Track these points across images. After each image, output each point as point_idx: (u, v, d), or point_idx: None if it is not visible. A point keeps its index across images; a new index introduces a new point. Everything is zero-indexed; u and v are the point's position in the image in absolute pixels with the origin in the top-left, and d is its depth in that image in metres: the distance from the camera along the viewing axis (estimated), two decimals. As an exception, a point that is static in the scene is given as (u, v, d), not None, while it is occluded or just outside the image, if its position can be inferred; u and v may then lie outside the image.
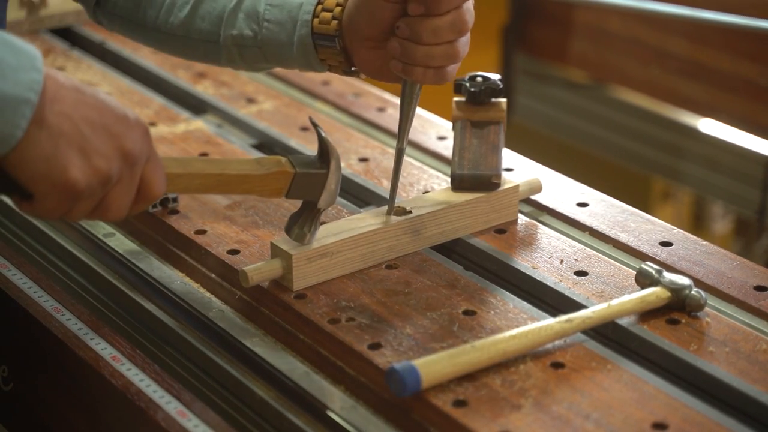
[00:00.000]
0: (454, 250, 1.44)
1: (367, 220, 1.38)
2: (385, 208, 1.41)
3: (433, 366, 1.16)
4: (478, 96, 1.45)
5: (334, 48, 1.38)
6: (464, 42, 1.34)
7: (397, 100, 1.84)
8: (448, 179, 1.46)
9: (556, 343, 1.24)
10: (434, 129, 1.74)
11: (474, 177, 1.44)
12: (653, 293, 1.29)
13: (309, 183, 1.31)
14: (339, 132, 1.73)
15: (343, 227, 1.37)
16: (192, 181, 1.27)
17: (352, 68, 1.41)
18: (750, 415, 1.17)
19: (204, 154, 1.65)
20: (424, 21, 1.31)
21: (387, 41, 1.35)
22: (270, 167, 1.30)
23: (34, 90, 1.09)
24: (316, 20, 1.38)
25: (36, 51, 1.11)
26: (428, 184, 1.56)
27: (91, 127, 1.13)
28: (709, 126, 2.98)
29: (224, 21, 1.44)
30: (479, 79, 1.46)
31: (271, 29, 1.41)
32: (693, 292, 1.28)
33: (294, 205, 1.49)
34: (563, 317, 1.24)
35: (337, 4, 1.38)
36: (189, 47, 1.49)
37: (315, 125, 1.32)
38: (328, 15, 1.38)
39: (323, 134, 1.31)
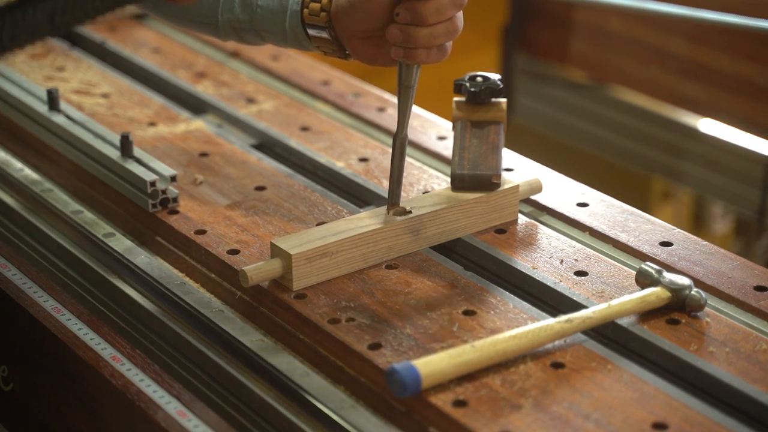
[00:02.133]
0: (454, 250, 1.44)
1: (367, 220, 1.38)
2: (385, 207, 1.41)
3: (433, 366, 1.16)
4: (478, 96, 1.45)
5: (325, 37, 1.40)
6: (461, 15, 1.36)
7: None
8: (448, 179, 1.46)
9: (556, 343, 1.24)
10: (434, 129, 1.74)
11: (474, 177, 1.44)
12: (653, 293, 1.29)
13: None
14: (339, 132, 1.73)
15: (343, 227, 1.37)
16: None
17: (345, 52, 1.42)
18: (750, 415, 1.17)
19: (204, 155, 1.65)
20: (426, 2, 1.32)
21: (380, 31, 1.36)
22: None
23: None
24: (305, 11, 1.40)
25: None
26: (428, 184, 1.56)
27: None
28: (709, 126, 2.98)
29: (221, 6, 1.47)
30: (479, 79, 1.46)
31: (265, 16, 1.44)
32: (693, 292, 1.28)
33: (293, 205, 1.49)
34: (563, 317, 1.24)
35: None
36: (188, 24, 1.53)
37: None
38: (316, 6, 1.39)
39: None
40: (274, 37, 1.46)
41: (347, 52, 1.42)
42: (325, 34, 1.40)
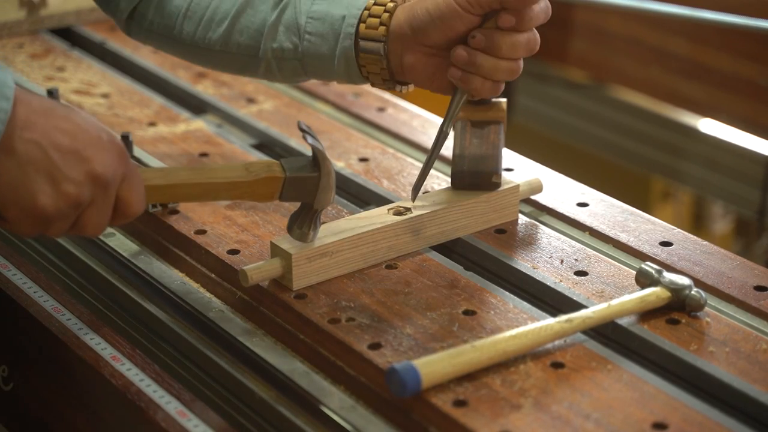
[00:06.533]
0: (454, 250, 1.44)
1: (367, 220, 1.38)
2: (385, 207, 1.41)
3: (433, 366, 1.16)
4: (479, 96, 1.45)
5: (378, 54, 1.39)
6: (521, 62, 1.37)
7: (397, 100, 1.84)
8: (448, 179, 1.46)
9: (556, 343, 1.24)
10: (434, 129, 1.73)
11: (474, 177, 1.44)
12: (653, 293, 1.29)
13: (302, 186, 1.30)
14: (339, 132, 1.73)
15: (343, 227, 1.37)
16: (177, 191, 1.27)
17: (393, 78, 1.41)
18: (750, 415, 1.17)
19: (204, 155, 1.65)
20: (504, 34, 1.33)
21: (447, 50, 1.36)
22: (259, 173, 1.29)
23: (0, 120, 1.10)
24: (362, 25, 1.39)
25: (7, 76, 1.12)
26: (428, 184, 1.56)
27: (60, 153, 1.14)
28: (709, 126, 2.98)
29: (264, 34, 1.45)
30: (479, 79, 1.46)
31: (313, 41, 1.42)
32: (693, 292, 1.28)
33: (293, 205, 1.49)
34: (563, 317, 1.24)
35: (385, 11, 1.39)
36: (227, 61, 1.51)
37: (303, 131, 1.32)
38: (375, 20, 1.39)
39: (311, 141, 1.30)
40: (320, 63, 1.43)
41: (393, 80, 1.41)
42: (379, 50, 1.39)
